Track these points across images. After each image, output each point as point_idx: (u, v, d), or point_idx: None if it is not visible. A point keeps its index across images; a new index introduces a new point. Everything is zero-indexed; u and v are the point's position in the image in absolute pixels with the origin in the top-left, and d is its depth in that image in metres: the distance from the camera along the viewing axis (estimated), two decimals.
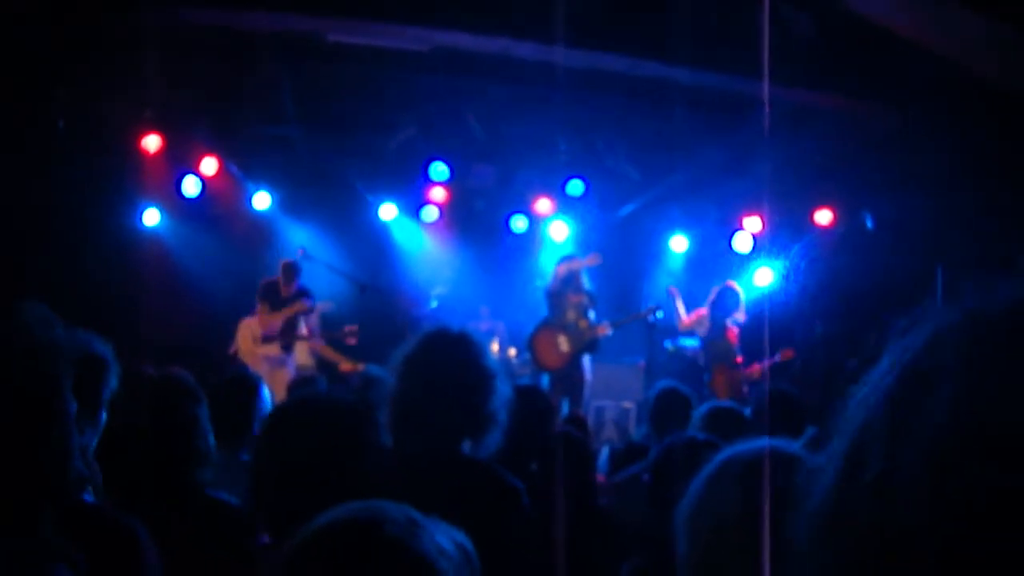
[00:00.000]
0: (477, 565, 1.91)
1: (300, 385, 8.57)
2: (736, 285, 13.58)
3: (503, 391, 4.16)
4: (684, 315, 13.67)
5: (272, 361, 12.92)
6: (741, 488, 2.22)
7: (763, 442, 2.33)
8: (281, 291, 13.19)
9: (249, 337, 13.10)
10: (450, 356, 4.10)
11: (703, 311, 13.48)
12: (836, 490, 1.05)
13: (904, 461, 0.98)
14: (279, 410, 3.47)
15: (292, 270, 13.26)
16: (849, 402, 1.12)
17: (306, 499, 2.02)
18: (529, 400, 5.44)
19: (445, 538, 1.85)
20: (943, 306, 1.12)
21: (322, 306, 13.50)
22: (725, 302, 13.38)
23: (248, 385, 5.87)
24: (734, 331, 13.30)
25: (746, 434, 2.44)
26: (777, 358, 13.24)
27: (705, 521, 2.26)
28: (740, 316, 13.39)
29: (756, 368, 13.08)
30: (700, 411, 6.09)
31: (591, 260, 13.36)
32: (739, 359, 13.15)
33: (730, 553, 2.19)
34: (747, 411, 7.75)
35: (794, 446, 2.33)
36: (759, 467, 2.21)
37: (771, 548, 1.97)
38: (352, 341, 13.31)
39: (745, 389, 12.98)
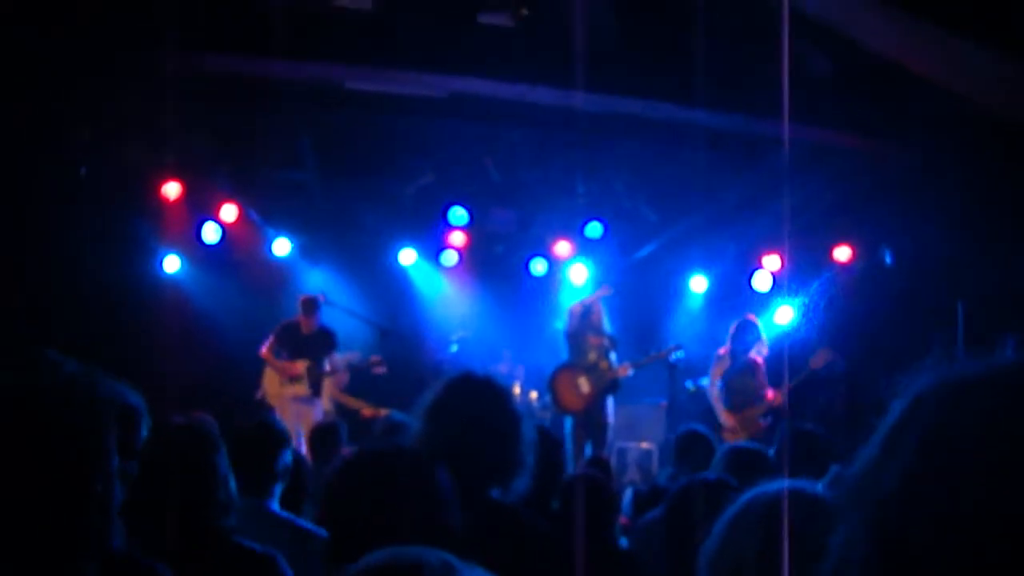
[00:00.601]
0: None
1: (322, 432, 8.58)
2: (755, 318, 13.50)
3: (529, 435, 4.15)
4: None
5: (300, 403, 12.93)
6: (762, 530, 2.22)
7: (782, 483, 2.33)
8: (302, 329, 13.22)
9: (276, 380, 13.12)
10: (478, 401, 4.07)
11: (724, 351, 13.41)
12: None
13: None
14: (351, 461, 3.46)
15: (312, 305, 13.29)
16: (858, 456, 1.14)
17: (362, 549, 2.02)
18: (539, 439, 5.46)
19: None
20: (928, 370, 1.13)
21: (349, 357, 13.52)
22: (745, 336, 13.29)
23: (272, 433, 5.86)
24: (760, 363, 13.19)
25: (768, 474, 2.44)
26: (814, 364, 13.13)
27: (726, 563, 2.26)
28: (763, 349, 13.31)
29: (771, 395, 12.98)
30: (720, 451, 6.07)
31: (602, 292, 13.37)
32: (768, 394, 13.03)
33: None
34: (771, 451, 7.74)
35: (816, 487, 2.33)
36: (780, 510, 2.21)
37: None
38: (380, 370, 13.30)
39: (764, 423, 12.90)
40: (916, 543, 0.95)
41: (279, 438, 5.79)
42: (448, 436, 3.99)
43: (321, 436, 8.39)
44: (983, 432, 0.98)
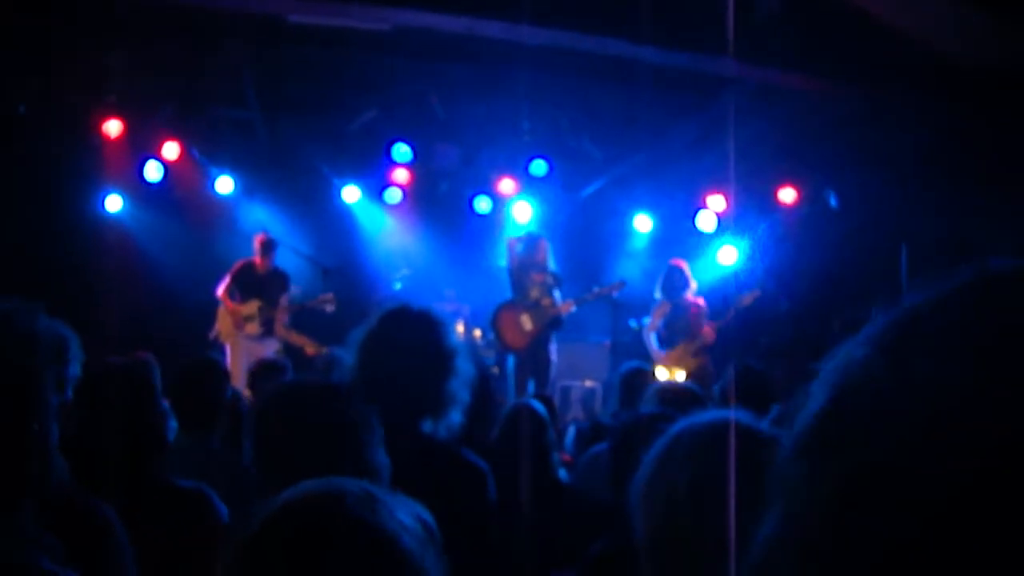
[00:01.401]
0: (439, 540, 1.88)
1: (265, 368, 8.51)
2: (682, 262, 13.53)
3: (464, 369, 4.12)
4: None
5: (252, 342, 12.91)
6: (694, 460, 2.19)
7: (714, 414, 2.31)
8: (257, 269, 13.17)
9: (229, 320, 13.08)
10: (409, 334, 4.05)
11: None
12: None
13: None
14: (273, 395, 3.43)
15: (269, 245, 13.25)
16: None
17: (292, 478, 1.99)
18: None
19: (406, 513, 1.83)
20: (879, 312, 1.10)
21: (293, 293, 13.49)
22: (674, 282, 13.34)
23: (215, 371, 5.82)
24: (701, 305, 13.25)
25: (699, 409, 2.42)
26: (743, 302, 13.22)
27: (659, 494, 2.23)
28: (691, 293, 13.34)
29: (707, 330, 13.04)
30: (651, 389, 6.07)
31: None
32: (704, 329, 13.09)
33: (684, 528, 2.17)
34: (715, 387, 7.78)
35: (747, 417, 2.30)
36: (712, 440, 2.19)
37: (729, 521, 1.94)
38: (330, 308, 13.26)
39: (701, 360, 12.97)
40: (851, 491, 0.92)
41: (220, 374, 5.76)
42: (379, 368, 3.98)
43: (263, 372, 8.31)
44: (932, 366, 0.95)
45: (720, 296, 13.57)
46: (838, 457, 0.94)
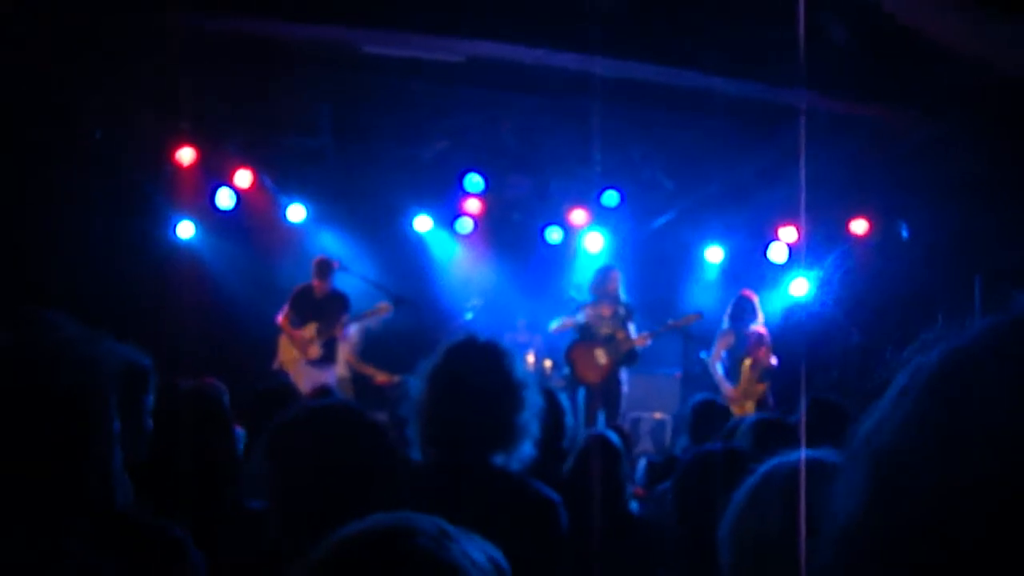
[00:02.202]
0: None
1: (316, 396, 8.54)
2: (751, 293, 13.49)
3: (534, 401, 4.10)
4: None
5: (312, 367, 12.92)
6: (783, 501, 2.18)
7: (803, 453, 2.30)
8: (315, 293, 13.22)
9: (292, 349, 13.12)
10: (477, 366, 4.04)
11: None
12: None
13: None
14: (287, 419, 3.43)
15: (325, 267, 13.31)
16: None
17: (313, 509, 1.99)
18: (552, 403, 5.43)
19: (476, 550, 1.81)
20: (931, 342, 1.11)
21: (360, 320, 13.51)
22: (742, 313, 13.29)
23: (281, 395, 5.86)
24: (764, 335, 13.18)
25: (792, 444, 2.41)
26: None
27: (748, 535, 2.22)
28: (758, 325, 13.27)
29: (764, 351, 12.99)
30: (746, 423, 6.02)
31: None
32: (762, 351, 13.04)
33: (774, 568, 2.15)
34: (794, 419, 7.72)
35: (835, 456, 2.28)
36: (801, 480, 2.18)
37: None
38: (386, 313, 13.28)
39: (764, 385, 12.92)
40: (908, 501, 0.93)
41: (286, 399, 5.80)
42: (447, 402, 3.96)
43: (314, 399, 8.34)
44: (981, 400, 0.95)
45: (789, 328, 13.53)
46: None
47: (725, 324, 13.33)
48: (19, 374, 2.25)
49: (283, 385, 6.21)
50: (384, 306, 13.34)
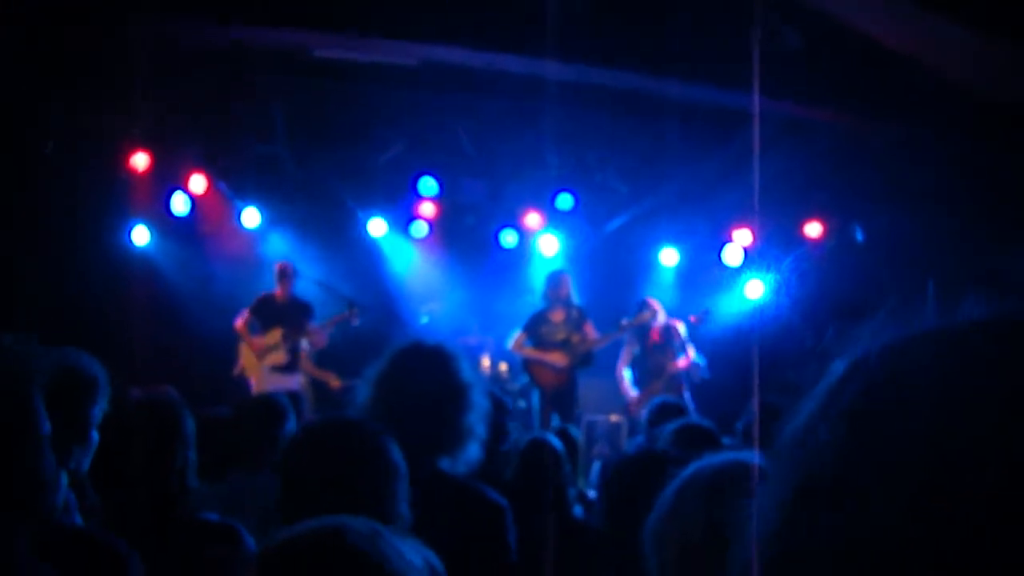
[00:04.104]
0: None
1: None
2: (652, 299, 13.55)
3: (480, 403, 4.11)
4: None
5: (278, 374, 12.85)
6: (705, 503, 2.20)
7: (728, 455, 2.32)
8: (277, 299, 13.16)
9: (252, 356, 13.05)
10: (422, 369, 4.06)
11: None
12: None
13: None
14: (299, 436, 3.43)
15: (287, 271, 13.26)
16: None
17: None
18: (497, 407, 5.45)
19: (411, 551, 1.83)
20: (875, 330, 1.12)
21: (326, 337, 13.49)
22: (641, 315, 13.33)
23: (276, 411, 5.87)
24: (657, 336, 13.22)
25: (714, 448, 2.43)
26: (690, 321, 13.25)
27: (673, 536, 2.24)
28: (658, 321, 13.29)
29: (681, 363, 13.03)
30: (667, 429, 6.04)
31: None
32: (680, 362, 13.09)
33: (697, 568, 2.17)
34: (738, 425, 7.74)
35: (759, 459, 2.30)
36: (726, 482, 2.19)
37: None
38: (355, 321, 13.25)
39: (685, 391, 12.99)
40: (842, 501, 0.93)
41: (279, 411, 5.79)
42: (392, 405, 3.97)
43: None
44: (923, 392, 0.95)
45: (745, 332, 13.55)
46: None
47: (625, 334, 13.36)
48: None
49: (274, 401, 6.21)
50: (352, 311, 13.30)
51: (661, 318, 13.32)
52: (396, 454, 3.28)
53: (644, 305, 13.38)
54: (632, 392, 13.10)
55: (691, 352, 13.17)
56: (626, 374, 13.28)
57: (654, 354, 13.14)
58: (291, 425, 5.88)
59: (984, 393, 0.92)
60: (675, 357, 13.07)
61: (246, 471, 5.41)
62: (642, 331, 13.21)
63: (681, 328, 13.31)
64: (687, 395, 12.96)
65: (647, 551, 2.30)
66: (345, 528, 1.80)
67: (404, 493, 3.22)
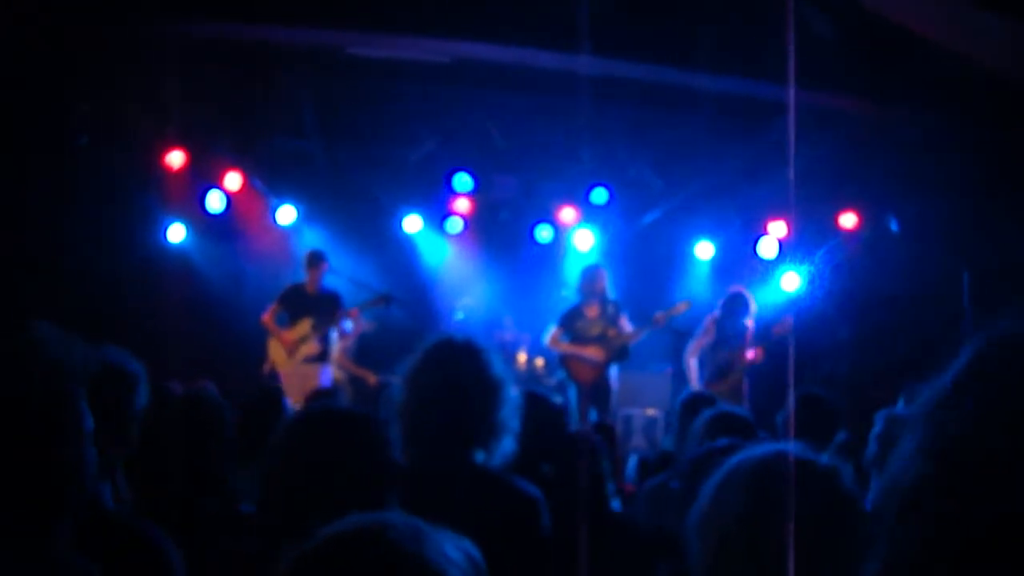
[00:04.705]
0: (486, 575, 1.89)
1: (319, 398, 8.53)
2: (745, 290, 13.37)
3: (512, 398, 4.15)
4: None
5: (308, 364, 12.80)
6: (746, 494, 2.21)
7: (769, 446, 2.32)
8: (307, 288, 13.15)
9: (282, 349, 13.03)
10: (454, 365, 4.09)
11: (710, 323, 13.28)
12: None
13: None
14: (290, 422, 3.45)
15: (317, 258, 13.18)
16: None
17: (314, 510, 2.01)
18: (538, 405, 5.46)
19: (452, 547, 1.84)
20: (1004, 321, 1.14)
21: (363, 325, 13.48)
22: (735, 310, 13.14)
23: (270, 400, 5.88)
24: (750, 331, 13.08)
25: (751, 438, 2.44)
26: (773, 332, 13.03)
27: (712, 528, 2.25)
28: (749, 322, 13.16)
29: (751, 355, 12.88)
30: (701, 419, 6.03)
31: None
32: (748, 353, 12.94)
33: (737, 558, 2.18)
34: (778, 417, 7.73)
35: (809, 451, 2.31)
36: (765, 472, 2.20)
37: (778, 553, 1.96)
38: (384, 305, 13.25)
39: (744, 386, 12.88)
40: (971, 478, 0.95)
41: (276, 404, 5.81)
42: (425, 400, 4.01)
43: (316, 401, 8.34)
44: None
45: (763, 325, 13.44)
46: (962, 516, 0.97)
47: (708, 320, 13.22)
48: None
49: (268, 391, 6.22)
50: (384, 296, 13.26)
51: (754, 308, 13.16)
52: (385, 443, 3.29)
53: (738, 296, 13.17)
54: (696, 384, 12.99)
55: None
56: (694, 363, 13.19)
57: (733, 347, 12.99)
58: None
59: None
60: (744, 350, 12.95)
61: (254, 464, 5.44)
62: (734, 323, 13.02)
63: (750, 323, 13.17)
64: (747, 388, 12.92)
65: (689, 541, 2.31)
66: (385, 525, 1.81)
67: (390, 480, 3.23)
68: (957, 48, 10.13)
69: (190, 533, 3.62)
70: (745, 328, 13.03)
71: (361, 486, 3.08)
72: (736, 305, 13.11)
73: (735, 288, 13.36)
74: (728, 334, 13.00)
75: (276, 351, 13.04)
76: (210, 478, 4.18)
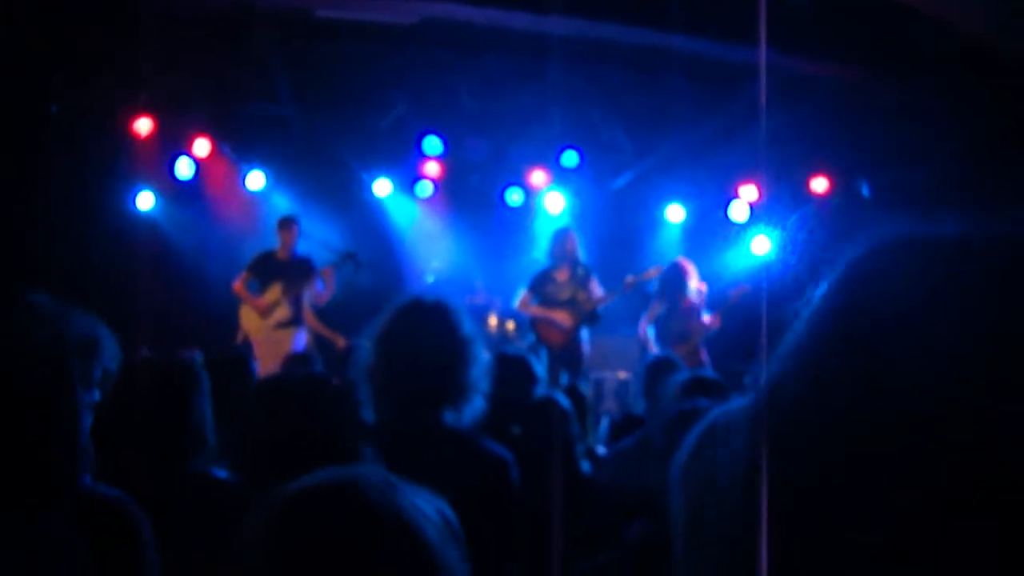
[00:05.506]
0: (460, 532, 1.87)
1: (295, 364, 8.51)
2: (686, 261, 13.27)
3: (482, 358, 4.16)
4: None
5: (281, 333, 12.78)
6: (730, 444, 2.21)
7: (748, 402, 2.32)
8: (278, 254, 13.11)
9: (253, 314, 12.97)
10: (423, 325, 4.11)
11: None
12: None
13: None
14: (258, 388, 3.44)
15: (290, 223, 13.19)
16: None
17: (286, 474, 1.99)
18: (509, 367, 5.48)
19: (424, 502, 1.82)
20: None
21: (334, 286, 13.44)
22: (677, 281, 13.02)
23: (239, 367, 5.86)
24: (695, 304, 13.02)
25: (726, 400, 2.44)
26: (730, 297, 12.99)
27: (696, 478, 2.25)
28: (702, 286, 13.08)
29: (708, 320, 12.85)
30: (674, 381, 6.04)
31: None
32: (705, 319, 12.90)
33: (720, 509, 2.18)
34: (746, 379, 7.74)
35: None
36: (747, 424, 2.20)
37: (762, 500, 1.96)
38: (354, 265, 13.30)
39: (703, 354, 12.85)
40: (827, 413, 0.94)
41: (246, 370, 5.80)
42: (395, 361, 4.03)
43: (293, 367, 8.31)
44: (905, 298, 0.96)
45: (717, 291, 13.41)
46: None
47: (654, 293, 13.15)
48: None
49: (234, 358, 6.21)
50: (353, 257, 13.27)
51: (694, 282, 13.08)
52: (352, 408, 3.29)
53: (675, 266, 13.12)
54: (656, 349, 12.94)
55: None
56: (649, 332, 13.16)
57: (684, 315, 12.96)
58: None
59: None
60: (699, 317, 12.91)
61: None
62: (675, 292, 12.97)
63: (703, 288, 13.09)
64: (705, 354, 12.90)
65: (671, 492, 2.32)
66: (359, 479, 1.78)
67: (355, 444, 3.22)
68: (937, 15, 10.14)
69: (163, 502, 3.60)
70: (696, 293, 12.96)
71: (332, 448, 3.08)
72: (676, 274, 13.00)
73: (677, 260, 13.28)
74: (676, 302, 12.93)
75: (248, 318, 12.99)
76: (185, 446, 4.15)
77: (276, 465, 3.03)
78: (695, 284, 12.99)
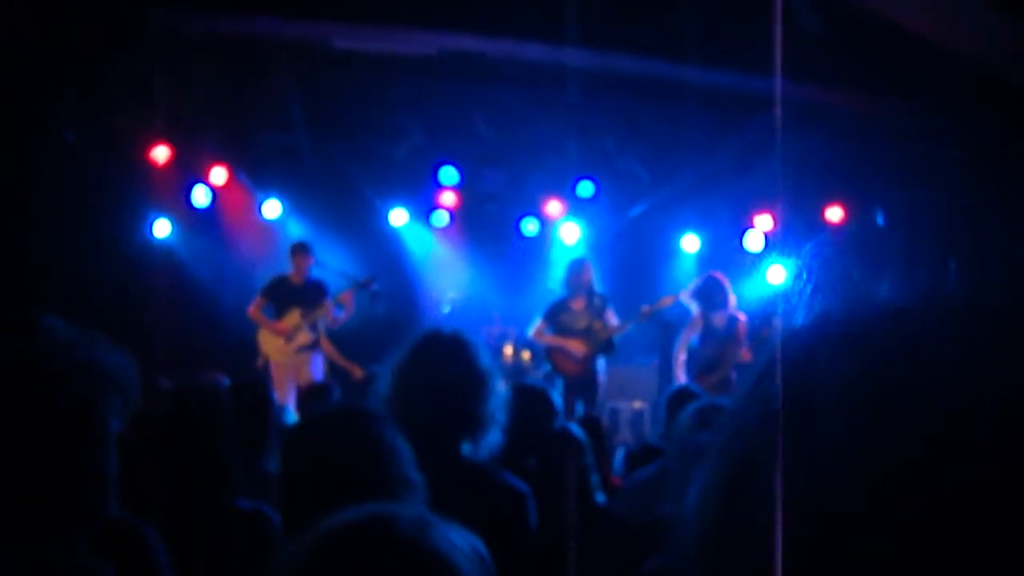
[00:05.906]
0: (491, 568, 1.88)
1: (314, 392, 8.52)
2: (722, 276, 13.11)
3: (500, 390, 4.17)
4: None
5: (301, 359, 12.80)
6: (740, 476, 2.21)
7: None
8: (292, 280, 13.13)
9: (273, 339, 12.96)
10: (441, 357, 4.12)
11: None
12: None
13: None
14: (306, 422, 3.45)
15: (302, 249, 13.18)
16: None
17: (334, 509, 2.00)
18: (528, 399, 5.48)
19: (458, 537, 1.82)
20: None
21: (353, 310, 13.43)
22: (712, 296, 12.87)
23: (258, 393, 5.85)
24: (742, 325, 12.88)
25: None
26: (762, 334, 12.83)
27: (709, 511, 2.25)
28: (742, 316, 12.94)
29: (746, 355, 12.68)
30: (689, 409, 6.03)
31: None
32: (743, 354, 12.75)
33: (733, 541, 2.18)
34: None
35: None
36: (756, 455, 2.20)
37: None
38: (374, 287, 13.33)
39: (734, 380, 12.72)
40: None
41: (265, 396, 5.79)
42: (413, 393, 4.03)
43: (312, 396, 8.33)
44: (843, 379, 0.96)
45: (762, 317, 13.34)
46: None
47: (694, 309, 13.00)
48: (15, 379, 2.25)
49: (252, 383, 6.20)
50: (368, 280, 13.31)
51: (733, 302, 12.90)
52: (397, 439, 3.29)
53: (712, 279, 12.85)
54: (683, 378, 12.79)
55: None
56: (682, 357, 13.03)
57: (719, 339, 12.78)
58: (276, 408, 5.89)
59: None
60: (739, 346, 12.72)
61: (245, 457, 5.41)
62: (712, 307, 12.76)
63: (744, 319, 12.88)
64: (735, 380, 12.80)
65: (682, 528, 2.31)
66: (393, 516, 1.78)
67: (408, 475, 3.22)
68: (945, 42, 10.15)
69: (186, 530, 3.61)
70: (734, 319, 12.87)
71: (381, 484, 3.08)
72: (712, 292, 12.85)
73: (708, 275, 13.15)
74: (714, 324, 12.83)
75: (268, 343, 12.98)
76: (208, 474, 4.15)
77: (321, 504, 3.04)
78: (733, 299, 12.86)
